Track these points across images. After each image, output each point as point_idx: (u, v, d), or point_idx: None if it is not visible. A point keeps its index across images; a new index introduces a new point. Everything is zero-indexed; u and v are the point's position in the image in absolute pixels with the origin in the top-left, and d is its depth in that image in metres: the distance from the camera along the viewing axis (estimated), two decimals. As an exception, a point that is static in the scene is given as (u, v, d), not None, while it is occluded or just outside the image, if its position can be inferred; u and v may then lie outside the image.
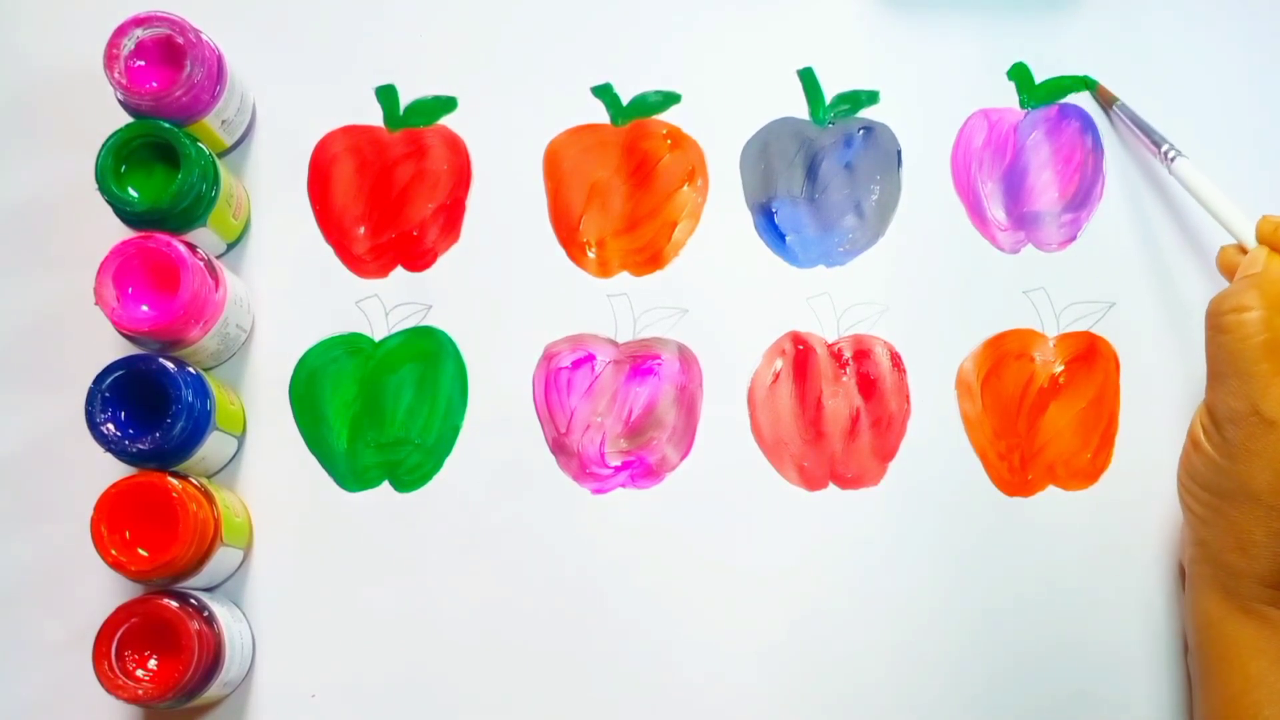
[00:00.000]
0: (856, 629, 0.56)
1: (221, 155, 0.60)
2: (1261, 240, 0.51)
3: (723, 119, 0.61)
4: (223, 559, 0.54)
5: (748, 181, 0.61)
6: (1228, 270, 0.53)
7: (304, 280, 0.59)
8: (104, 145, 0.54)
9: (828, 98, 0.61)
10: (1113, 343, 0.59)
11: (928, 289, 0.59)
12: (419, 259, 0.60)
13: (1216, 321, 0.49)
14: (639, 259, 0.60)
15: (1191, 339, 0.58)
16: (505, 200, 0.60)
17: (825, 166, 0.61)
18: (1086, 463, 0.58)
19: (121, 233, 0.55)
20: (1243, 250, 0.52)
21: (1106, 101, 0.61)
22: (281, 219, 0.60)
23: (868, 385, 0.59)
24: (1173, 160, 0.56)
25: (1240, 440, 0.48)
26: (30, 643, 0.55)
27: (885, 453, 0.58)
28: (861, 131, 0.61)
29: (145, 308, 0.54)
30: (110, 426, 0.52)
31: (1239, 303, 0.48)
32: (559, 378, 0.59)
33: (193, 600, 0.52)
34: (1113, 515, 0.57)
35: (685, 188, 0.61)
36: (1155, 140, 0.57)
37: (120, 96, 0.55)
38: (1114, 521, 0.57)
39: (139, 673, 0.51)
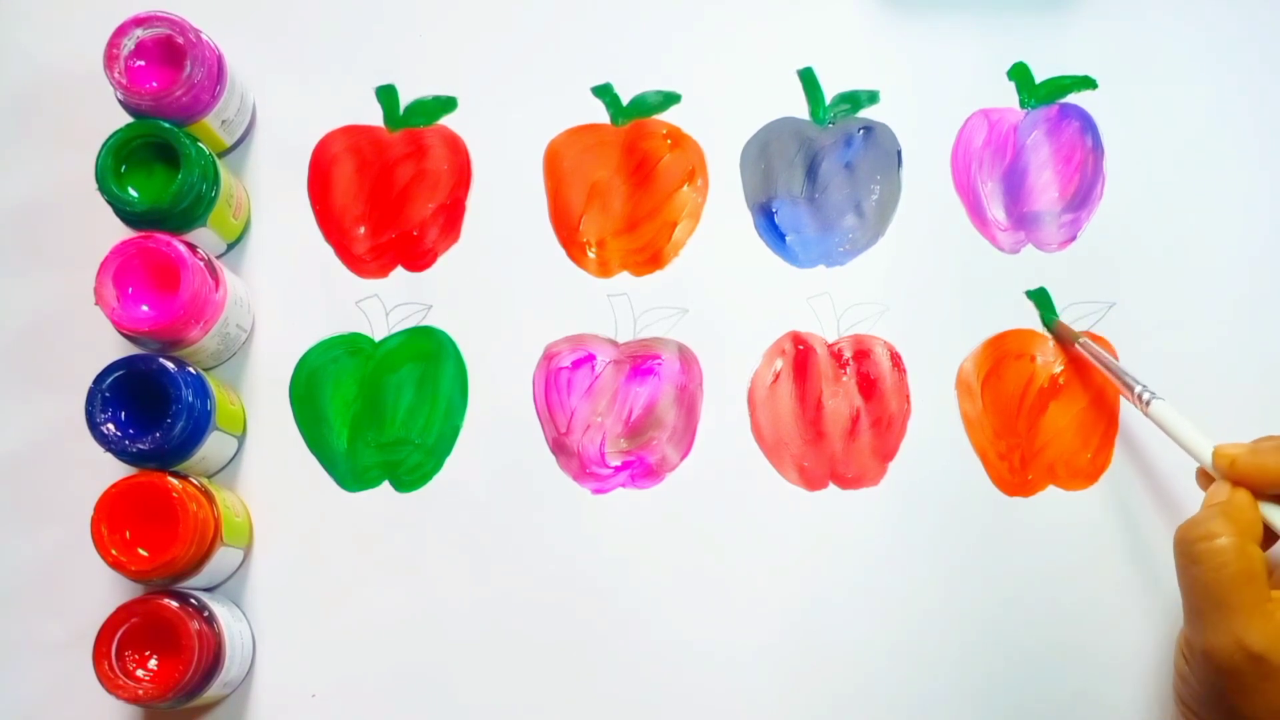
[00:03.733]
0: (856, 629, 0.56)
1: (221, 155, 0.60)
2: (1220, 475, 0.48)
3: (723, 119, 0.61)
4: (223, 559, 0.54)
5: (748, 181, 0.61)
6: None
7: (304, 280, 0.59)
8: (104, 145, 0.54)
9: (828, 98, 0.61)
10: (1113, 343, 0.59)
11: (928, 289, 0.59)
12: (419, 259, 0.60)
13: (1187, 550, 0.46)
14: (639, 259, 0.60)
15: (1191, 339, 0.59)
16: (505, 200, 0.60)
17: (825, 166, 0.61)
18: (1086, 463, 0.58)
19: (121, 233, 0.55)
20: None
21: (1067, 339, 0.58)
22: (281, 219, 0.60)
23: (868, 385, 0.59)
24: (1149, 404, 0.52)
25: (1228, 679, 0.45)
26: (30, 643, 0.55)
27: (885, 453, 0.58)
28: (861, 131, 0.61)
29: (145, 308, 0.54)
30: (110, 426, 0.52)
31: (1208, 530, 0.46)
32: (559, 378, 0.59)
33: (193, 600, 0.52)
34: (1113, 515, 0.57)
35: (685, 188, 0.61)
36: (1128, 382, 0.54)
37: (120, 96, 0.55)
38: (1114, 521, 0.57)
39: (139, 673, 0.51)
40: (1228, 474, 0.48)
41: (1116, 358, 0.58)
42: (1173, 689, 0.50)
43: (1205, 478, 0.50)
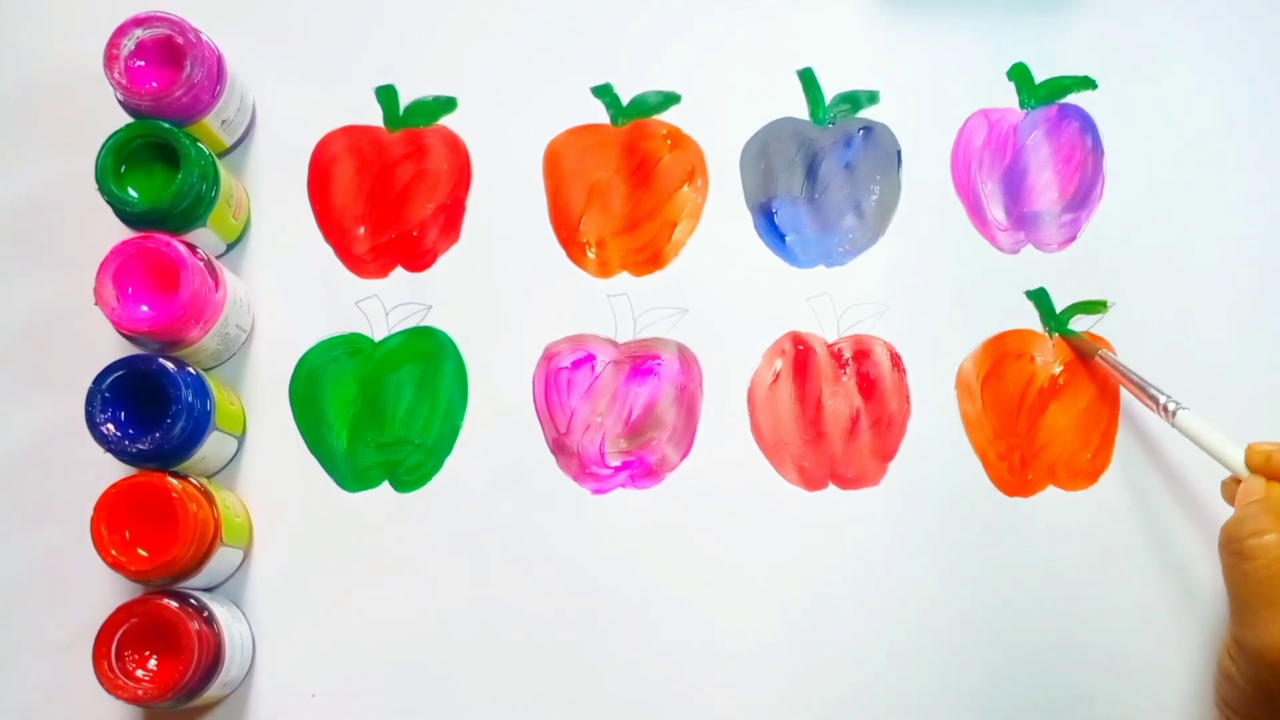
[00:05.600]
0: (856, 628, 0.56)
1: (221, 155, 0.60)
2: (1253, 470, 0.49)
3: (723, 119, 0.61)
4: (223, 559, 0.54)
5: (748, 181, 0.61)
6: (1233, 501, 0.51)
7: (304, 280, 0.59)
8: (104, 145, 0.54)
9: (828, 98, 0.61)
10: (1112, 343, 0.59)
11: (928, 289, 0.59)
12: (419, 259, 0.60)
13: (1237, 548, 0.46)
14: (639, 259, 0.60)
15: (1191, 338, 0.59)
16: (505, 200, 0.60)
17: (825, 166, 0.61)
18: (1086, 463, 0.58)
19: (121, 233, 0.55)
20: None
21: (1087, 353, 0.58)
22: (281, 219, 0.60)
23: (868, 385, 0.59)
24: (1175, 414, 0.52)
25: (1279, 677, 0.45)
26: (30, 643, 0.55)
27: (885, 453, 0.58)
28: (861, 131, 0.61)
29: (145, 308, 0.54)
30: (110, 426, 0.52)
31: (1257, 526, 0.46)
32: (559, 378, 0.59)
33: (193, 600, 0.52)
34: (1113, 515, 0.57)
35: (685, 188, 0.61)
36: (1152, 394, 0.54)
37: (120, 96, 0.55)
38: (1114, 522, 0.57)
39: (139, 673, 0.51)
40: (1264, 470, 0.48)
41: (1117, 354, 0.59)
42: (1215, 692, 0.50)
43: (1230, 489, 0.51)
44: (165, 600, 0.51)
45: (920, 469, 0.58)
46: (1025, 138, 0.61)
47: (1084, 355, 0.58)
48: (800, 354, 0.59)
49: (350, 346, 0.59)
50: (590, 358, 0.59)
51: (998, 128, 0.61)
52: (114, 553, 0.51)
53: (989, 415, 0.58)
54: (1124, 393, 0.58)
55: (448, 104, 0.61)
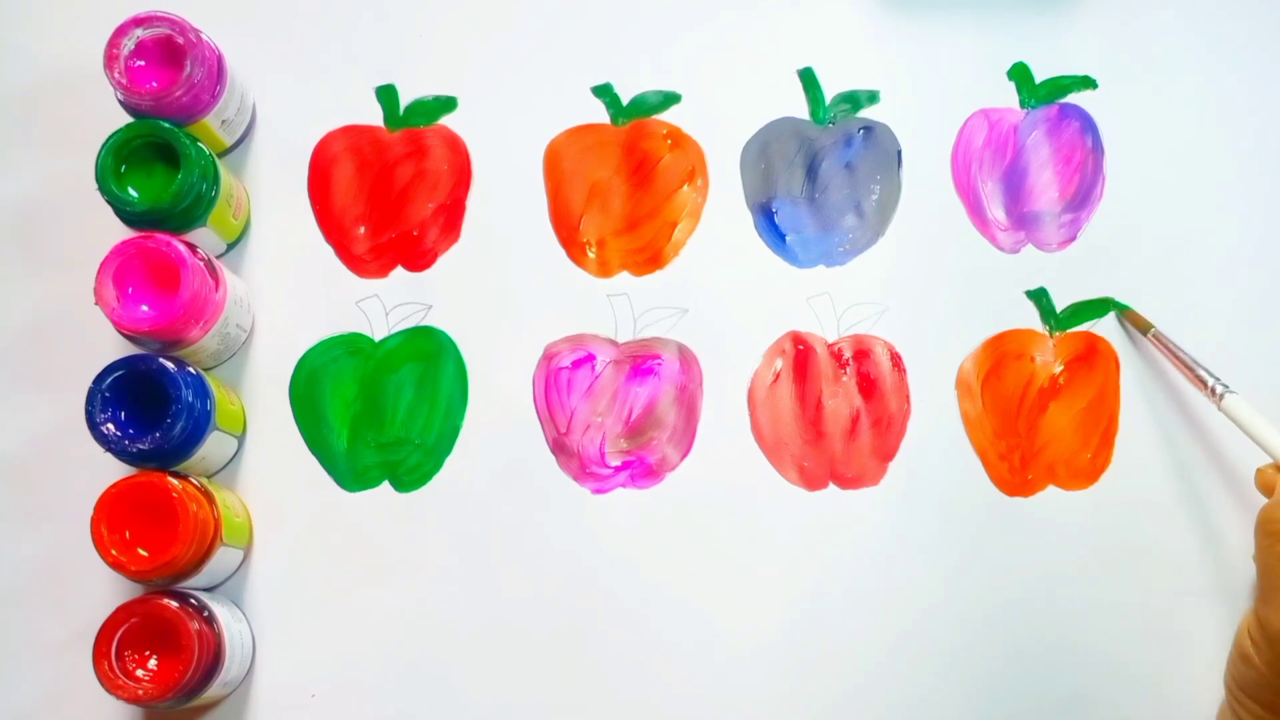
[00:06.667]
0: (856, 628, 0.56)
1: (221, 155, 0.60)
2: None
3: (723, 119, 0.61)
4: (223, 559, 0.54)
5: (748, 181, 0.61)
6: (1267, 489, 0.51)
7: (304, 280, 0.59)
8: (104, 145, 0.54)
9: (828, 98, 0.61)
10: (1113, 343, 0.59)
11: (928, 289, 0.59)
12: (419, 259, 0.60)
13: (1274, 529, 0.46)
14: (639, 259, 0.60)
15: (1191, 338, 0.58)
16: (505, 200, 0.60)
17: (825, 166, 0.61)
18: (1086, 463, 0.58)
19: (121, 233, 0.55)
20: None
21: (1140, 328, 0.57)
22: (281, 219, 0.60)
23: (868, 385, 0.59)
24: (1222, 398, 0.52)
25: None
26: (30, 643, 0.55)
27: (885, 453, 0.58)
28: (861, 131, 0.61)
29: (145, 308, 0.54)
30: (110, 426, 0.52)
31: None
32: (559, 378, 0.59)
33: (193, 600, 0.52)
34: (1113, 515, 0.57)
35: (685, 188, 0.61)
36: (1201, 376, 0.54)
37: (120, 96, 0.55)
38: (1114, 522, 0.57)
39: (139, 673, 0.51)
40: None
41: (1118, 361, 0.59)
42: (1227, 673, 0.49)
43: (1266, 475, 0.51)
44: (165, 600, 0.51)
45: (920, 469, 0.58)
46: (1025, 137, 0.61)
47: (1138, 331, 0.58)
48: (800, 354, 0.59)
49: (350, 346, 0.59)
50: (590, 357, 0.59)
51: (998, 127, 0.61)
52: (114, 553, 0.51)
53: (989, 415, 0.58)
54: (1124, 393, 0.58)
55: (448, 104, 0.61)
